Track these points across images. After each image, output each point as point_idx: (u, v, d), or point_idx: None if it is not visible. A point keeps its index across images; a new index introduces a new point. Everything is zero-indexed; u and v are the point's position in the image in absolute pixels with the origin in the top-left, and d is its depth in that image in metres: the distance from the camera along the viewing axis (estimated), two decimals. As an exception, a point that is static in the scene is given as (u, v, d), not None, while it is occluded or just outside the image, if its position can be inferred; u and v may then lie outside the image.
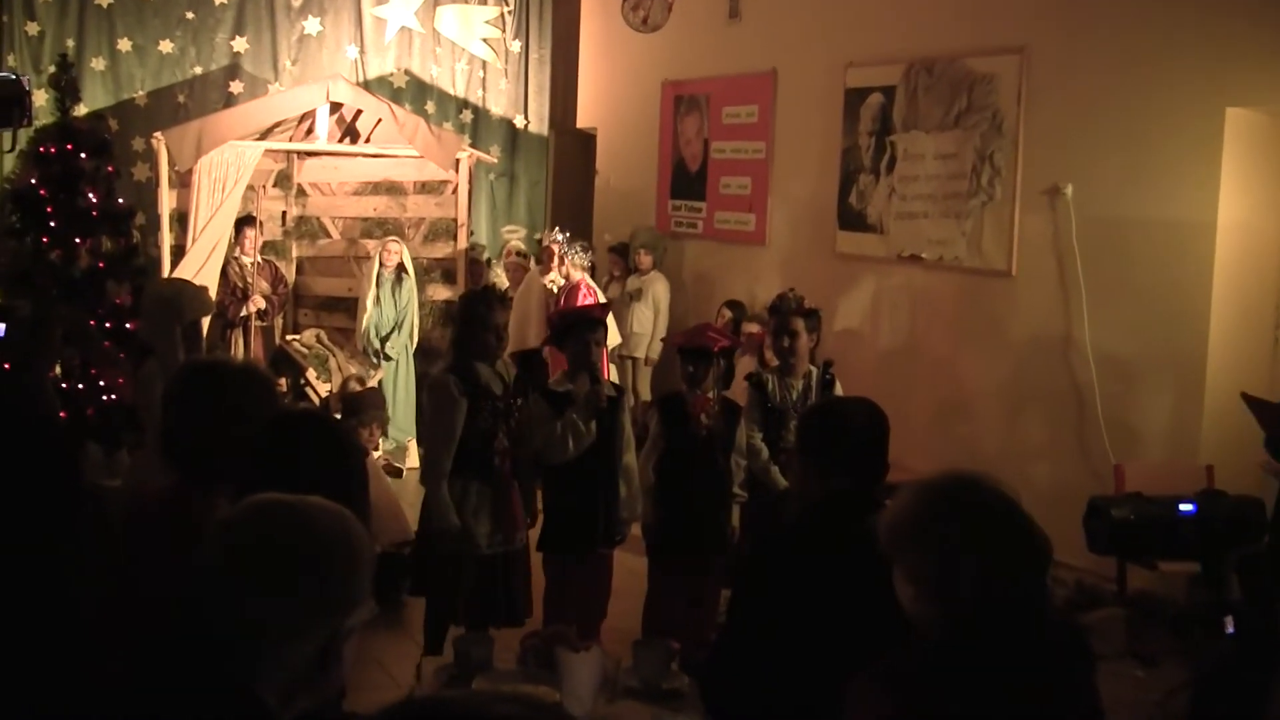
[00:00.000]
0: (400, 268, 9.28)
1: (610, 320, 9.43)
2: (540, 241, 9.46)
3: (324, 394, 8.73)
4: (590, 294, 8.66)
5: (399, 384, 9.15)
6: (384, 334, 9.18)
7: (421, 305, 9.30)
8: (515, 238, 10.50)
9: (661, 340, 9.15)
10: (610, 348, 9.45)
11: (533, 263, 9.84)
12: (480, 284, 10.14)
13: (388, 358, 9.16)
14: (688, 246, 10.23)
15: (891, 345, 8.15)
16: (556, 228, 9.14)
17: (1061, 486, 6.46)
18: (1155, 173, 6.54)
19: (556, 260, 8.77)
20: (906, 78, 7.91)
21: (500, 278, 10.35)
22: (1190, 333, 6.42)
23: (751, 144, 9.46)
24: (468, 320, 5.05)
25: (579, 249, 8.66)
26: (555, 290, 8.73)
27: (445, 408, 4.95)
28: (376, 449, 7.84)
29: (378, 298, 9.22)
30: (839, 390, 5.90)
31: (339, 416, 7.29)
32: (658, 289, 9.71)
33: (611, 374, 8.65)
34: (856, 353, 8.17)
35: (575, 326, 5.24)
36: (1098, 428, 6.72)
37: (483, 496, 5.02)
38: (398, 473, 8.69)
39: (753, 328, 7.98)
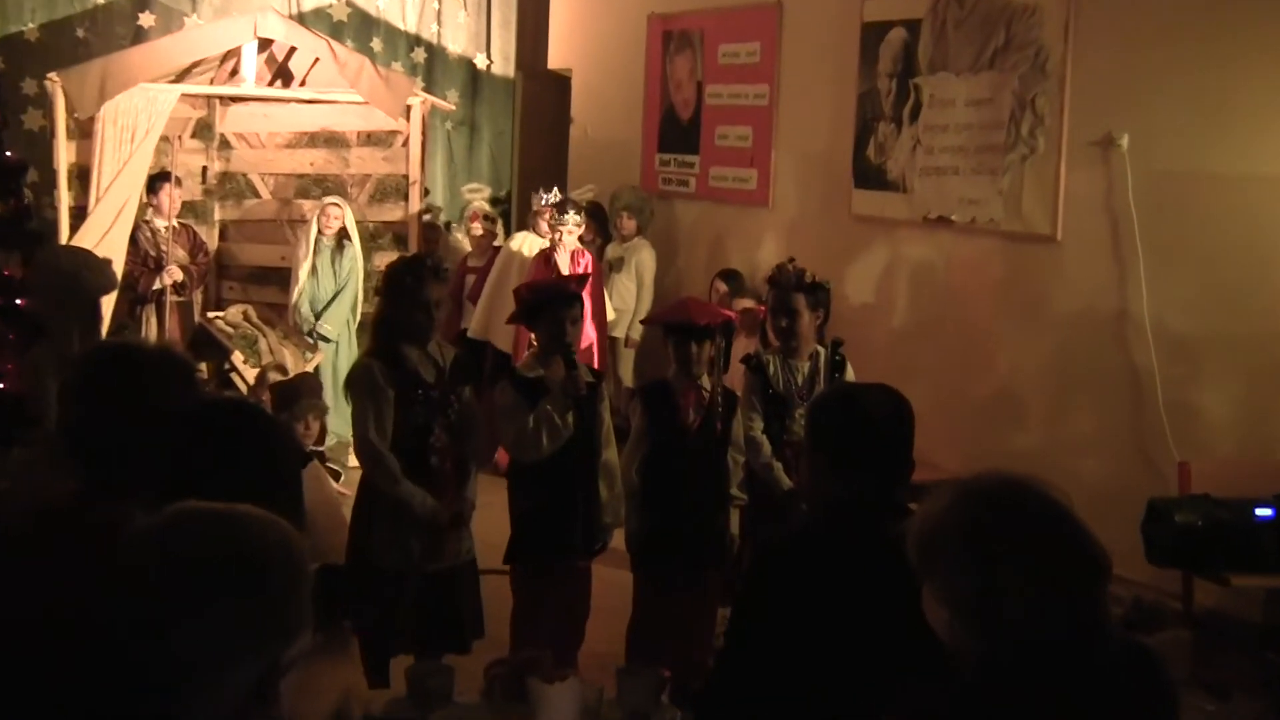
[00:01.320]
0: (342, 233, 9.26)
1: (610, 292, 9.49)
2: (502, 198, 9.44)
3: (252, 379, 8.71)
4: (587, 263, 8.66)
5: (340, 368, 9.13)
6: (321, 310, 9.17)
7: (368, 276, 9.29)
8: (479, 198, 10.47)
9: (642, 322, 9.16)
10: (613, 328, 9.46)
11: (500, 228, 9.83)
12: (437, 251, 10.13)
13: (324, 339, 9.14)
14: (678, 208, 10.21)
15: (914, 322, 8.16)
16: (546, 189, 9.08)
17: (1116, 487, 6.48)
18: (1227, 120, 6.53)
19: (548, 229, 8.74)
20: (934, 10, 7.89)
21: (461, 243, 10.33)
22: (1266, 307, 6.43)
23: (753, 88, 9.45)
24: (393, 295, 5.07)
25: (571, 209, 8.64)
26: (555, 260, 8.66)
27: (368, 401, 4.96)
28: (318, 444, 7.82)
29: (314, 268, 9.20)
30: (850, 374, 5.91)
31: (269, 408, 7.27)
32: (642, 258, 9.70)
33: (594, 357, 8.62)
34: (873, 331, 8.17)
35: (549, 302, 5.23)
36: (1158, 418, 6.74)
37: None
38: (336, 474, 8.68)
39: (748, 302, 7.98)
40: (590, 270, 8.58)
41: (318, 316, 9.19)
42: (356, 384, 5.05)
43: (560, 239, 8.58)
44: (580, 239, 8.83)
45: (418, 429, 5.01)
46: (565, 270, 8.48)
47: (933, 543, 2.22)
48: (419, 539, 5.02)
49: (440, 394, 5.08)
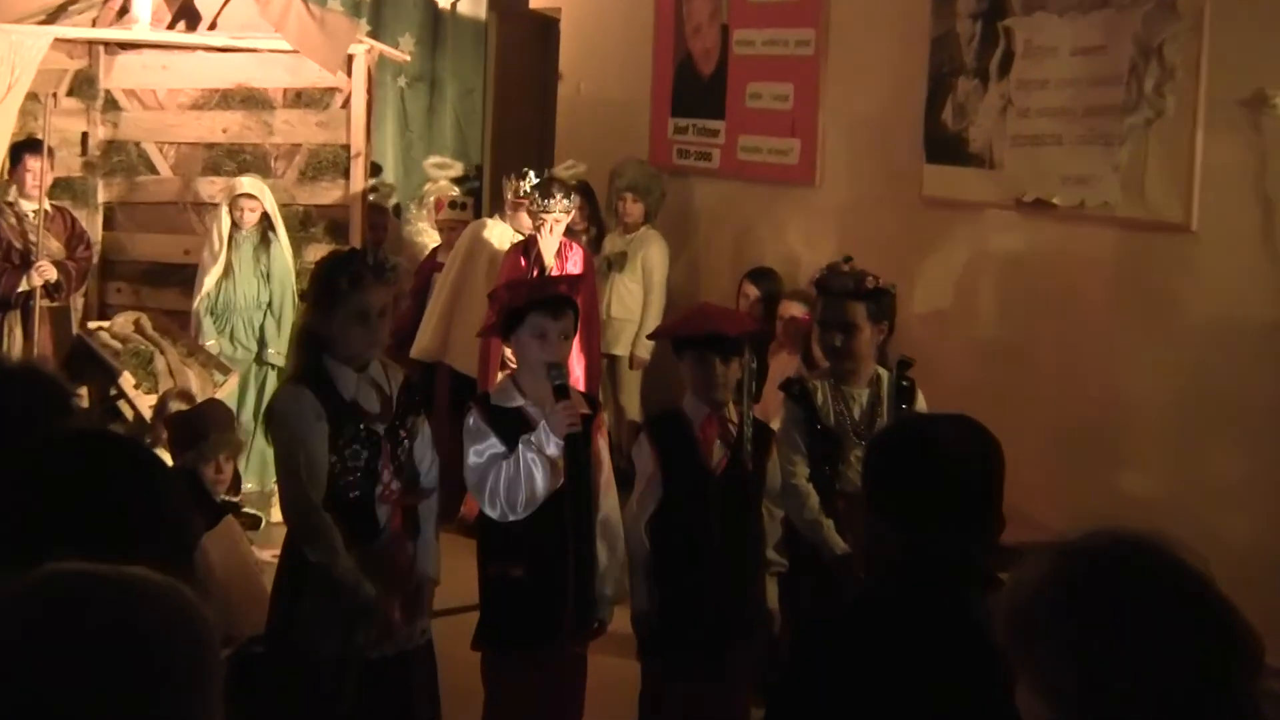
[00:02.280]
0: (265, 222, 9.27)
1: (607, 297, 9.48)
2: (470, 175, 9.43)
3: (147, 410, 8.70)
4: (576, 258, 8.67)
5: (265, 390, 9.11)
6: (230, 318, 9.22)
7: (297, 276, 9.28)
8: (445, 175, 10.48)
9: (650, 336, 9.16)
10: (612, 344, 9.46)
11: (471, 215, 9.81)
12: (384, 243, 10.14)
13: (274, 366, 9.09)
14: (697, 188, 10.21)
15: (1004, 336, 8.14)
16: (521, 174, 9.02)
17: (1269, 550, 6.45)
18: None
19: (529, 221, 8.73)
20: (1030, -70, 7.90)
21: (424, 234, 10.31)
22: None
23: (794, 32, 9.46)
24: (323, 301, 5.08)
25: (558, 192, 8.61)
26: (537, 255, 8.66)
27: (297, 441, 4.96)
28: (231, 493, 7.80)
29: (229, 267, 9.20)
30: (921, 403, 5.90)
31: (168, 448, 7.26)
32: (650, 253, 9.71)
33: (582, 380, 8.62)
34: (949, 348, 8.17)
35: (533, 308, 5.24)
36: (1322, 460, 6.72)
37: (362, 568, 5.01)
38: (256, 522, 8.68)
39: (795, 309, 7.97)
40: (583, 269, 8.58)
41: (226, 322, 9.17)
42: (281, 418, 5.06)
43: (546, 230, 8.56)
44: (569, 229, 8.82)
45: (359, 475, 5.02)
46: (550, 269, 8.47)
47: (1029, 622, 2.22)
48: (369, 628, 5.02)
49: (388, 429, 5.09)
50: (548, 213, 8.57)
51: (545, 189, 8.67)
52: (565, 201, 8.64)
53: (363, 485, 5.04)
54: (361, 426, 5.03)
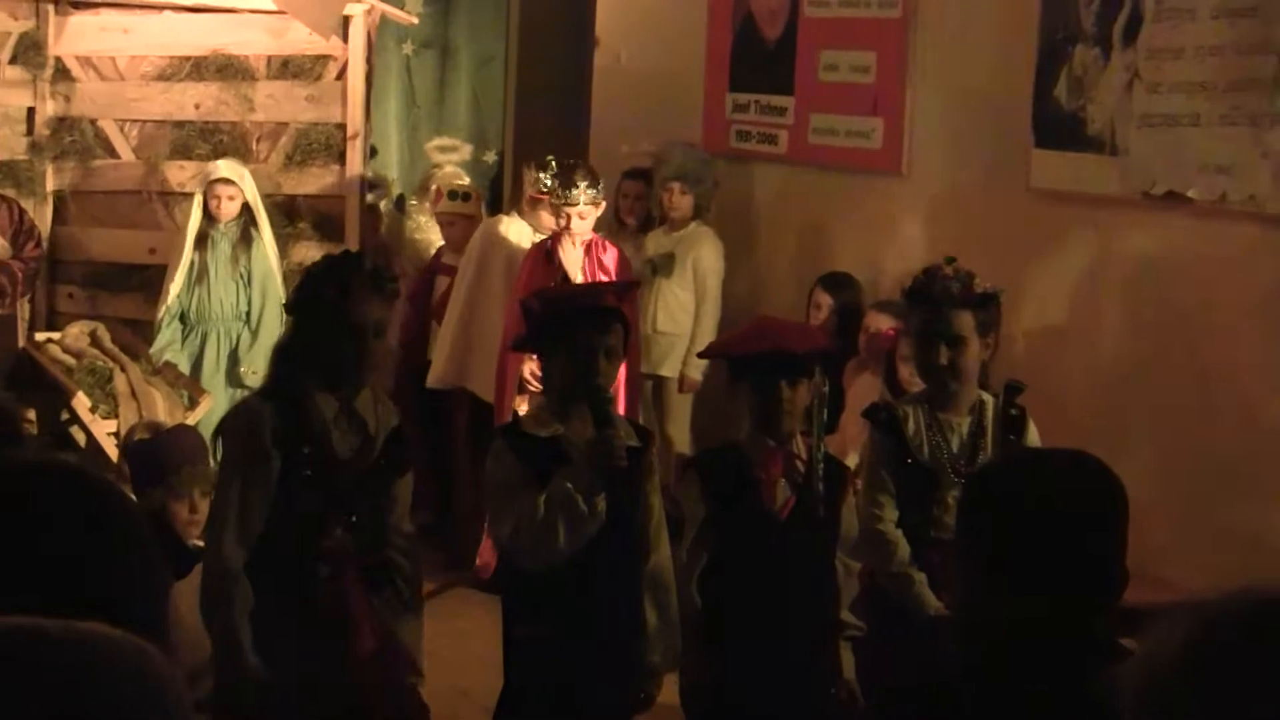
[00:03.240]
0: (245, 215, 9.30)
1: (652, 308, 9.47)
2: (489, 162, 9.42)
3: (105, 438, 8.74)
4: (610, 260, 8.68)
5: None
6: (202, 330, 9.28)
7: (285, 279, 9.30)
8: (450, 160, 10.49)
9: (701, 355, 9.13)
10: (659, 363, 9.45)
11: (483, 208, 9.81)
12: (385, 243, 10.16)
13: (244, 385, 9.12)
14: (758, 177, 10.21)
15: (1127, 355, 8.12)
16: (551, 161, 8.98)
17: None
18: None
19: (556, 218, 8.73)
20: None
21: (428, 230, 10.32)
22: None
23: (878, -10, 9.46)
24: (307, 314, 5.13)
25: (582, 179, 8.59)
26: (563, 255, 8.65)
27: (237, 467, 5.02)
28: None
29: (203, 268, 9.24)
30: (1033, 435, 5.89)
31: (129, 483, 7.27)
32: (702, 255, 9.70)
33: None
34: (1062, 368, 8.17)
35: (569, 321, 5.28)
36: None
37: (299, 641, 5.05)
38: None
39: (883, 321, 7.96)
40: (617, 272, 8.56)
41: (194, 337, 9.22)
42: (230, 440, 5.12)
43: (568, 225, 8.57)
44: (618, 219, 8.80)
45: (304, 520, 5.06)
46: (576, 273, 8.47)
47: (1162, 698, 2.20)
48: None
49: (354, 471, 5.10)
50: (571, 204, 8.52)
51: (568, 176, 8.61)
52: (592, 191, 8.63)
53: (305, 536, 5.06)
54: (319, 464, 5.04)
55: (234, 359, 9.34)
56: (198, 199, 9.32)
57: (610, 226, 9.80)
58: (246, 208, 9.31)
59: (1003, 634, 3.05)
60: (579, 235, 8.58)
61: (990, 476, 3.35)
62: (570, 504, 5.07)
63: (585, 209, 8.54)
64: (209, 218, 9.28)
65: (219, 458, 5.20)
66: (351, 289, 5.05)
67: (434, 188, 10.09)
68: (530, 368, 8.35)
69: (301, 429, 5.03)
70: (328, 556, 5.08)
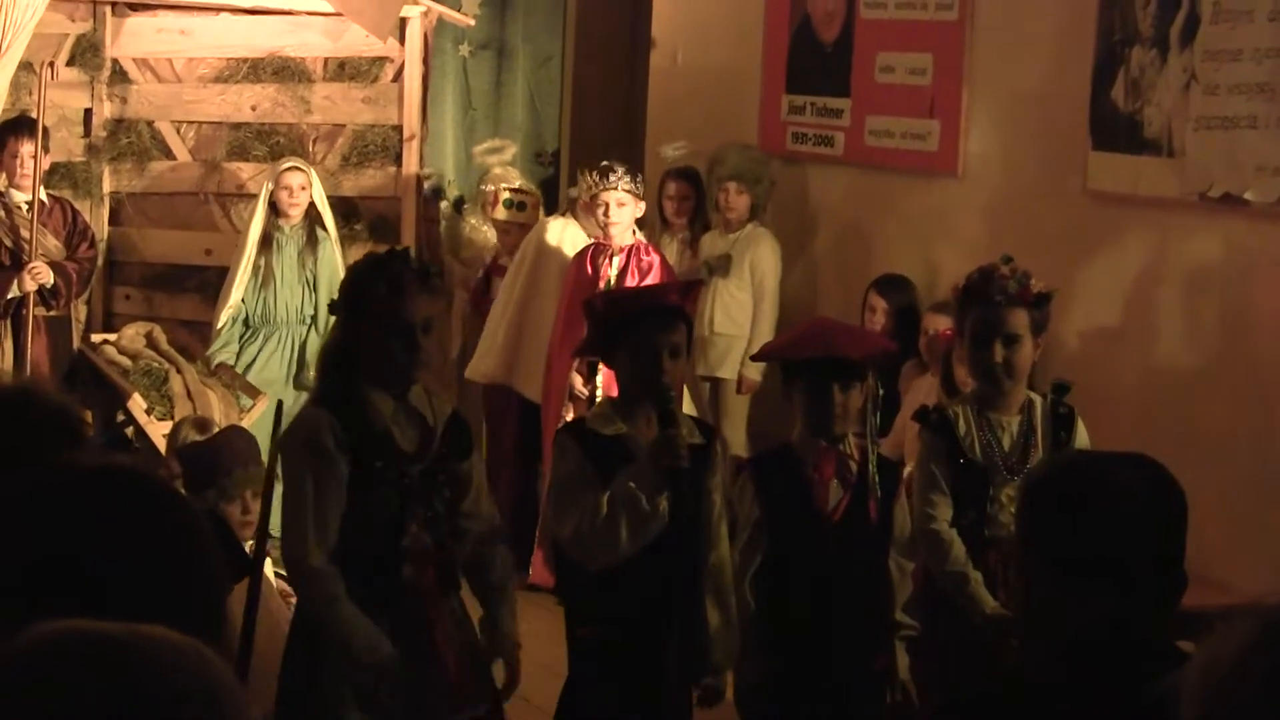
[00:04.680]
0: (313, 216, 9.32)
1: (709, 309, 9.45)
2: (545, 161, 9.39)
3: (160, 440, 8.75)
4: (652, 266, 8.67)
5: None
6: (261, 336, 9.28)
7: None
8: (499, 160, 10.47)
9: (754, 358, 9.10)
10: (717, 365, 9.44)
11: (541, 210, 9.78)
12: (441, 244, 10.15)
13: (301, 379, 9.12)
14: (815, 178, 10.19)
15: (1183, 359, 8.09)
16: (596, 167, 8.93)
17: None
18: None
19: (594, 208, 8.74)
20: None
21: (485, 234, 10.31)
22: None
23: (934, -7, 9.43)
24: (356, 313, 5.10)
25: (622, 175, 8.58)
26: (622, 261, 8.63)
27: (307, 477, 4.97)
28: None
29: (268, 271, 9.24)
30: (1083, 434, 5.89)
31: (182, 485, 7.29)
32: (760, 255, 9.69)
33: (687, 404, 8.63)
34: (1118, 371, 8.15)
35: (634, 321, 5.29)
36: None
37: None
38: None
39: (940, 323, 7.93)
40: (664, 278, 8.53)
41: (254, 341, 9.25)
42: (293, 449, 5.07)
43: (607, 214, 8.54)
44: (664, 219, 8.78)
45: (382, 524, 5.03)
46: (612, 278, 8.47)
47: (1221, 702, 2.18)
48: (394, 694, 4.97)
49: (424, 471, 5.08)
50: (609, 189, 8.50)
51: (606, 170, 8.62)
52: (629, 182, 8.61)
53: (385, 538, 5.03)
54: (391, 467, 5.01)
55: (300, 362, 9.29)
56: (263, 197, 9.29)
57: (656, 227, 9.81)
58: (311, 209, 9.30)
59: (1065, 636, 3.03)
60: (618, 228, 8.59)
61: (1053, 478, 3.32)
62: (633, 503, 5.08)
63: (623, 196, 8.56)
64: (275, 216, 9.25)
65: (283, 472, 5.10)
66: (400, 286, 5.01)
67: (490, 190, 10.06)
68: (576, 380, 8.38)
69: (363, 431, 4.99)
70: (410, 556, 5.04)
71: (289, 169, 9.28)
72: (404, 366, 5.05)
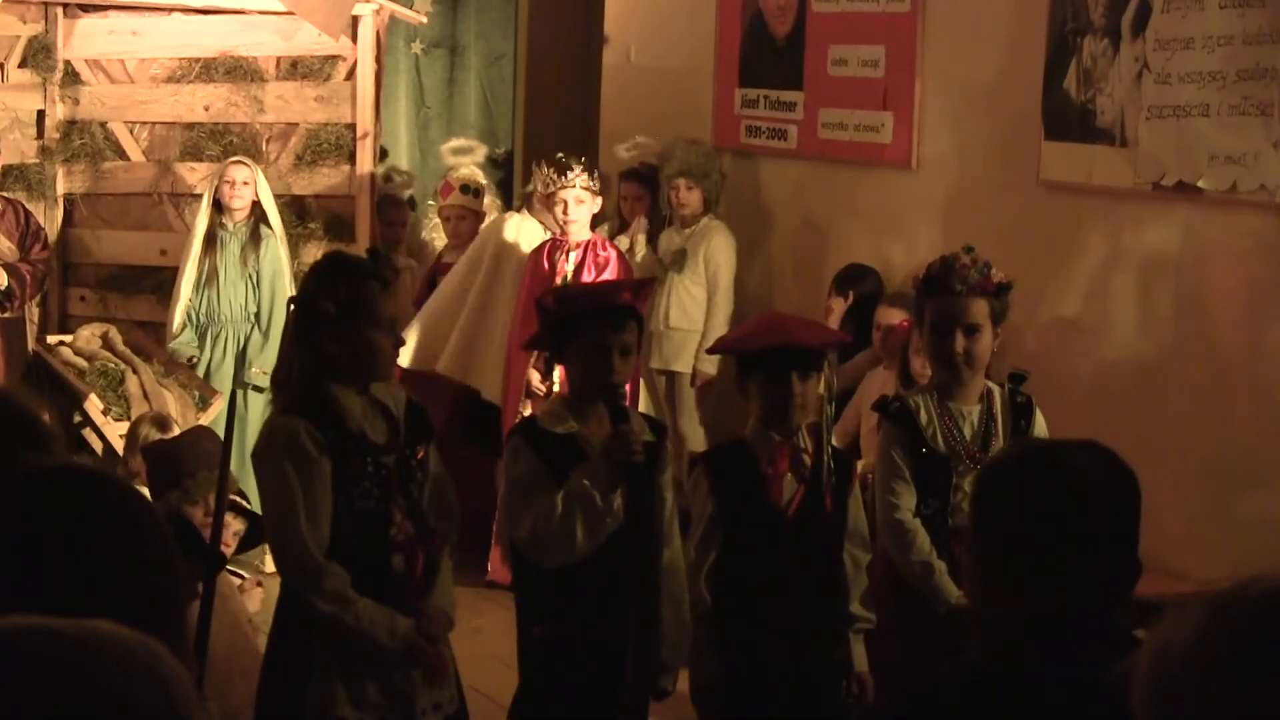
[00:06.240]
0: (256, 213, 9.30)
1: (664, 304, 9.47)
2: (499, 159, 9.38)
3: (117, 440, 8.73)
4: (608, 262, 8.68)
5: (249, 419, 9.09)
6: (213, 332, 9.28)
7: (295, 280, 9.27)
8: (465, 162, 10.47)
9: (709, 351, 9.12)
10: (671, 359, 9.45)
11: (489, 203, 9.77)
12: (400, 242, 10.14)
13: (258, 389, 9.07)
14: (768, 172, 10.19)
15: (1138, 347, 8.11)
16: (552, 162, 8.94)
17: None
18: None
19: (550, 206, 8.75)
20: None
21: (433, 233, 10.30)
22: None
23: (886, -15, 9.44)
24: (325, 311, 5.05)
25: (577, 169, 8.59)
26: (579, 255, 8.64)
27: (292, 482, 4.94)
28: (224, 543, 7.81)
29: (212, 269, 9.24)
30: (1041, 424, 5.89)
31: (145, 484, 7.27)
32: (714, 248, 9.70)
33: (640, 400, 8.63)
34: (1073, 360, 8.17)
35: (585, 319, 5.28)
36: None
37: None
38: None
39: (893, 315, 7.94)
40: (620, 274, 8.56)
41: (205, 339, 9.23)
42: (273, 456, 5.03)
43: (565, 211, 8.58)
44: (620, 218, 8.79)
45: (367, 517, 5.01)
46: (569, 273, 8.48)
47: (1174, 692, 2.19)
48: (382, 687, 4.99)
49: (397, 460, 5.08)
50: (567, 186, 8.54)
51: (562, 165, 8.66)
52: (586, 176, 8.63)
53: (372, 531, 5.02)
54: (369, 461, 5.01)
55: (242, 359, 9.30)
56: (207, 196, 9.29)
57: (614, 228, 9.83)
58: (256, 206, 9.29)
59: (1019, 625, 3.03)
60: (576, 225, 8.63)
61: (1003, 467, 3.33)
62: (588, 501, 5.08)
63: (581, 193, 8.61)
64: (219, 213, 9.24)
65: (262, 482, 5.11)
66: (362, 282, 5.02)
67: (444, 182, 10.04)
68: (534, 376, 8.40)
69: (339, 430, 4.98)
70: (397, 546, 5.04)
71: (231, 163, 9.31)
72: (369, 364, 5.06)
